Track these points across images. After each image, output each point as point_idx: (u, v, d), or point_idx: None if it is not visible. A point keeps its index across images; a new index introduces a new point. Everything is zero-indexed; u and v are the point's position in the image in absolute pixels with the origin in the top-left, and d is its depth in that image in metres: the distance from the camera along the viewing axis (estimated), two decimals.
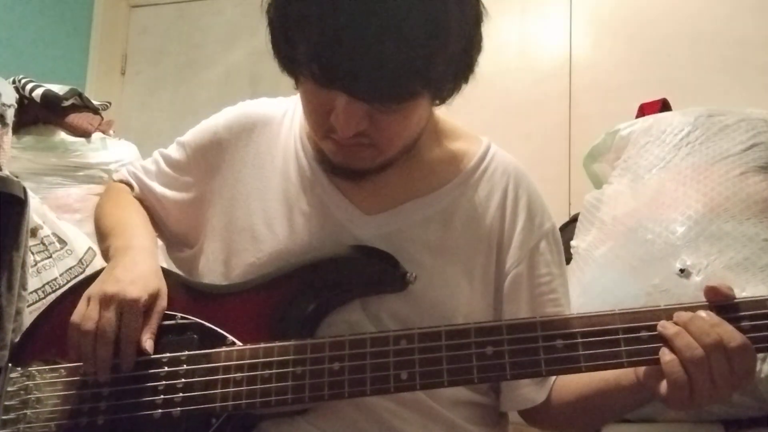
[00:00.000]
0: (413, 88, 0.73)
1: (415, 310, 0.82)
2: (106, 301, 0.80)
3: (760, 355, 1.33)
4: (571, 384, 0.86)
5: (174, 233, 1.00)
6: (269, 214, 0.88)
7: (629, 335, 0.71)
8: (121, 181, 1.05)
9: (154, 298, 0.82)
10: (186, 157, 0.99)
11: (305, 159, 0.91)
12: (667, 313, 0.71)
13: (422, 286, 0.83)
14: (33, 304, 1.57)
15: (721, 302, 0.71)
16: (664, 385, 0.69)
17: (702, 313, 0.69)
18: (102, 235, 0.98)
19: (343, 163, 0.83)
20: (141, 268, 0.85)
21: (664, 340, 0.69)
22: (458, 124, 0.95)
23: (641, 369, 0.74)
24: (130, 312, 0.79)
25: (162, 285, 0.85)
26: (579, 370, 0.72)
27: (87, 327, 0.79)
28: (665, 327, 0.69)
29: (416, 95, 0.74)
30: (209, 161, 0.96)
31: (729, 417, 1.38)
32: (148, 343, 0.80)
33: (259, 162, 0.92)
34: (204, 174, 0.96)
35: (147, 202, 1.02)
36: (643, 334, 0.71)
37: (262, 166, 0.92)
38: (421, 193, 0.88)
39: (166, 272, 0.90)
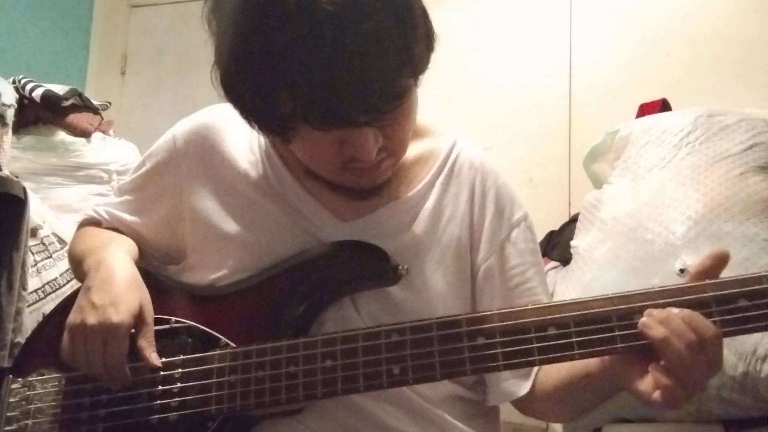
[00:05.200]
0: (406, 84, 0.73)
1: (394, 315, 0.82)
2: (89, 334, 0.78)
3: (760, 355, 1.33)
4: (552, 375, 0.86)
5: (155, 256, 0.99)
6: (245, 223, 0.88)
7: (624, 322, 0.71)
8: (87, 222, 1.03)
9: (137, 315, 0.81)
10: (148, 180, 0.97)
11: (273, 167, 0.89)
12: (662, 295, 0.71)
13: (400, 291, 0.83)
14: (33, 304, 1.57)
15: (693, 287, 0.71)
16: (646, 386, 0.69)
17: (674, 311, 0.68)
18: (76, 264, 0.95)
19: (369, 184, 0.83)
20: (118, 283, 0.82)
21: (650, 345, 0.68)
22: (423, 120, 0.93)
23: (609, 361, 0.74)
24: (113, 339, 0.78)
25: (143, 294, 0.84)
26: (573, 358, 0.72)
27: (77, 363, 0.80)
28: (651, 328, 0.68)
29: (409, 87, 0.74)
30: (172, 178, 0.94)
31: (729, 417, 1.38)
32: (153, 357, 0.79)
33: (224, 172, 0.91)
34: (169, 191, 0.94)
35: (120, 231, 0.99)
36: (637, 319, 0.71)
37: (228, 176, 0.91)
38: (394, 197, 0.88)
39: (154, 276, 0.89)
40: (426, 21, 0.74)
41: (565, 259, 1.89)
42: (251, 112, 0.75)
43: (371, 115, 0.70)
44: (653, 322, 0.68)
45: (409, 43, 0.70)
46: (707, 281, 0.71)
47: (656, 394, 0.68)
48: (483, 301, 0.88)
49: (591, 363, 0.77)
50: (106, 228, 0.99)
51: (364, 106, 0.69)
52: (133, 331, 0.80)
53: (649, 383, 0.69)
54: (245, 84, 0.72)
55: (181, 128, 0.96)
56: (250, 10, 0.67)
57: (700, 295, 0.70)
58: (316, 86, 0.67)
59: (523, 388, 0.87)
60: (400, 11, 0.68)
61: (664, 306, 0.70)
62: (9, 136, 1.84)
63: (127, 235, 0.98)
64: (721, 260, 0.71)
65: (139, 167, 0.99)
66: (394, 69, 0.69)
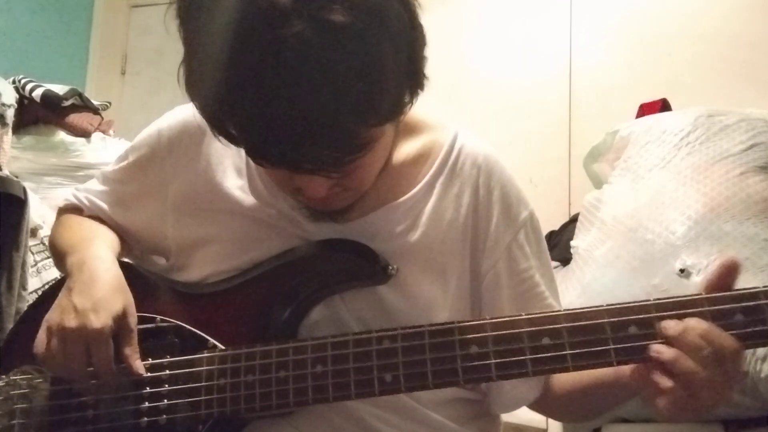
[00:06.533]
0: (369, 135, 0.67)
1: (383, 317, 0.80)
2: (68, 336, 0.75)
3: (760, 355, 1.33)
4: (561, 380, 0.85)
5: (137, 247, 0.96)
6: (234, 226, 0.85)
7: (618, 334, 0.69)
8: (68, 207, 0.99)
9: (120, 319, 0.78)
10: (130, 175, 0.93)
11: (261, 173, 0.86)
12: (657, 308, 0.70)
13: (395, 296, 0.81)
14: None
15: (714, 293, 0.68)
16: (662, 400, 0.67)
17: (691, 325, 0.66)
18: (58, 258, 0.91)
19: (322, 209, 0.80)
20: (100, 286, 0.79)
21: (659, 362, 0.67)
22: (421, 114, 0.88)
23: (626, 369, 0.72)
24: (97, 345, 0.75)
25: (127, 298, 0.81)
26: (567, 370, 0.70)
27: (54, 365, 0.76)
28: (660, 353, 0.66)
29: (375, 136, 0.69)
30: (156, 176, 0.90)
31: (729, 417, 1.39)
32: (136, 364, 0.77)
33: (212, 174, 0.88)
34: (152, 189, 0.91)
35: (100, 219, 0.96)
36: (632, 331, 0.69)
37: (216, 179, 0.87)
38: (391, 199, 0.84)
39: (138, 272, 0.87)
40: (411, 63, 0.69)
41: (565, 259, 1.89)
42: (209, 125, 0.71)
43: (320, 166, 0.66)
44: (665, 348, 0.66)
45: (373, 97, 0.63)
46: (702, 295, 0.69)
47: (662, 401, 0.66)
48: (488, 307, 0.85)
49: (602, 372, 0.75)
50: (88, 215, 0.96)
51: (311, 157, 0.65)
52: (116, 336, 0.78)
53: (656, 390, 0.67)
54: (198, 101, 0.69)
55: (166, 123, 0.92)
56: (213, 33, 0.64)
57: (695, 309, 0.68)
58: (260, 125, 0.63)
59: (534, 392, 0.86)
60: (366, 63, 0.62)
61: (659, 318, 0.69)
62: (9, 136, 1.84)
63: (108, 225, 0.95)
64: (731, 269, 0.69)
65: (122, 158, 0.95)
66: (353, 122, 0.63)
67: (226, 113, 0.66)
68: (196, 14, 0.70)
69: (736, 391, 1.32)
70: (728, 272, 0.69)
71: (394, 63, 0.65)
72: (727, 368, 0.65)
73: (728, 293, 0.69)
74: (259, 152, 0.67)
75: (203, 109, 0.69)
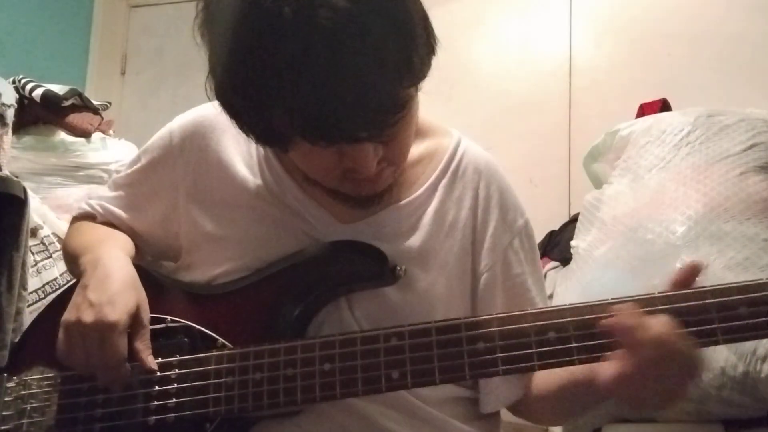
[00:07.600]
0: (406, 95, 0.71)
1: (391, 317, 0.81)
2: (85, 332, 0.77)
3: (760, 355, 1.33)
4: (546, 379, 0.86)
5: (150, 251, 0.97)
6: (242, 224, 0.87)
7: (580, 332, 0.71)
8: (81, 216, 1.01)
9: (134, 315, 0.80)
10: (143, 177, 0.95)
11: (272, 170, 0.88)
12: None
13: (400, 296, 0.83)
14: (33, 304, 1.57)
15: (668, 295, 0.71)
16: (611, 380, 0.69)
17: (652, 321, 0.68)
18: (72, 260, 0.93)
19: (370, 192, 0.81)
20: (115, 282, 0.81)
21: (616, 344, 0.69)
22: (426, 118, 0.91)
23: (596, 367, 0.73)
24: (111, 338, 0.77)
25: (140, 294, 0.82)
26: (572, 363, 0.72)
27: (74, 362, 0.78)
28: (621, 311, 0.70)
29: (410, 97, 0.73)
30: (167, 176, 0.92)
31: (729, 417, 1.38)
32: (149, 359, 0.78)
33: (222, 171, 0.90)
34: (164, 189, 0.93)
35: (114, 226, 0.98)
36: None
37: (226, 176, 0.89)
38: (395, 200, 0.86)
39: (149, 273, 0.89)
40: (426, 26, 0.72)
41: (565, 259, 1.89)
42: (247, 126, 0.73)
43: (371, 131, 0.69)
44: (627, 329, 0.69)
45: (409, 55, 0.67)
46: (707, 287, 0.70)
47: (609, 373, 0.68)
48: (483, 308, 0.87)
49: (576, 370, 0.77)
50: (101, 222, 0.98)
51: (363, 123, 0.67)
52: (129, 331, 0.79)
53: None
54: (240, 100, 0.70)
55: (177, 124, 0.94)
56: (244, 27, 0.65)
57: (701, 302, 0.70)
58: (313, 104, 0.65)
59: (516, 393, 0.87)
60: (399, 23, 0.66)
61: (661, 312, 0.70)
62: (9, 136, 1.84)
63: (121, 230, 0.97)
64: (695, 272, 0.72)
65: (134, 162, 0.97)
66: (393, 82, 0.67)
67: (274, 106, 0.67)
68: (214, 22, 0.70)
69: (739, 392, 1.32)
70: (692, 273, 0.73)
71: (418, 19, 0.69)
72: (679, 362, 0.67)
73: (681, 293, 0.71)
74: (316, 132, 0.68)
75: (251, 110, 0.70)
